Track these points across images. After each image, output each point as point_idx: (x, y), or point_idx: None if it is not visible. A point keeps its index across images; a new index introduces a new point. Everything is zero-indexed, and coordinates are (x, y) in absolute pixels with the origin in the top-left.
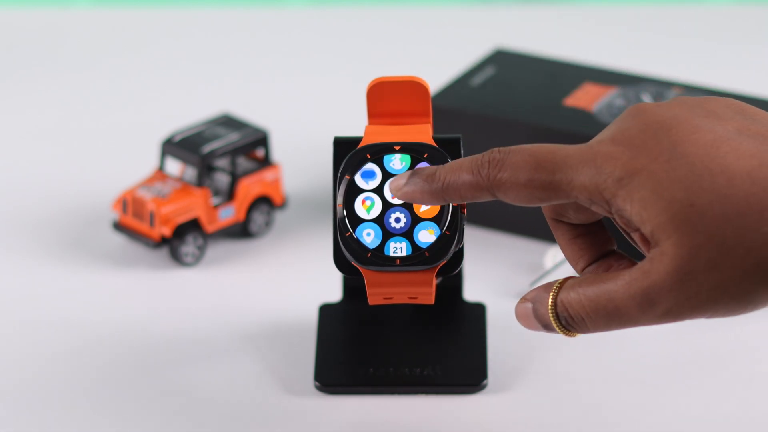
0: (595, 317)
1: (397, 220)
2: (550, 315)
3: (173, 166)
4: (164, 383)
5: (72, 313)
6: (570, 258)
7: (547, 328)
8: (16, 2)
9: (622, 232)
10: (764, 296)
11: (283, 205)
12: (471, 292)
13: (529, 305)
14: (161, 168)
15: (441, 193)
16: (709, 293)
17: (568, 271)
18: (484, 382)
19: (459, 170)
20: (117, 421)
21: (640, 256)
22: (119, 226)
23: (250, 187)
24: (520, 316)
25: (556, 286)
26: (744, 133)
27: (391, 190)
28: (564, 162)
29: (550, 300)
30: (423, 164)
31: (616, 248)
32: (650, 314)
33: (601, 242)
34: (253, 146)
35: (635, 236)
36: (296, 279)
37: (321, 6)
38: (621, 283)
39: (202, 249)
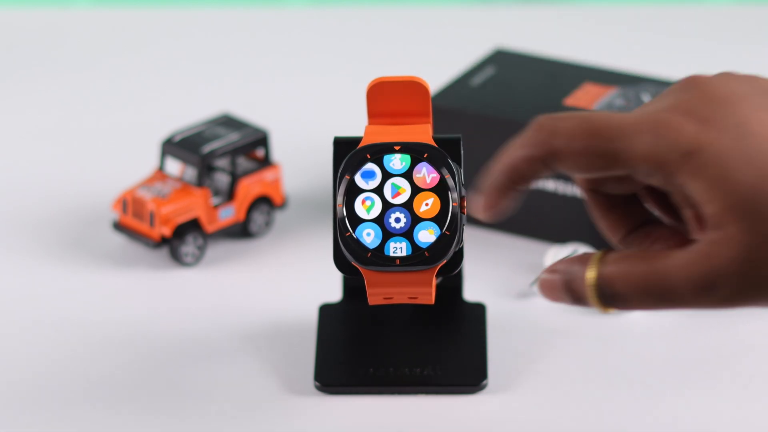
0: (645, 296)
1: (397, 220)
2: (591, 289)
3: (173, 166)
4: (164, 383)
5: (72, 313)
6: (607, 229)
7: (579, 301)
8: (16, 2)
9: (657, 208)
10: None
11: (283, 205)
12: (471, 292)
13: (558, 276)
14: (161, 168)
15: (508, 178)
16: None
17: None
18: (484, 382)
19: (512, 149)
20: (117, 421)
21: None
22: (119, 226)
23: (250, 187)
24: (545, 287)
25: (596, 259)
26: None
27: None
28: (621, 129)
29: (590, 273)
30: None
31: (654, 216)
32: (707, 299)
33: (639, 212)
34: (253, 146)
35: (687, 213)
36: (296, 279)
37: (321, 6)
38: (677, 263)
39: (202, 249)
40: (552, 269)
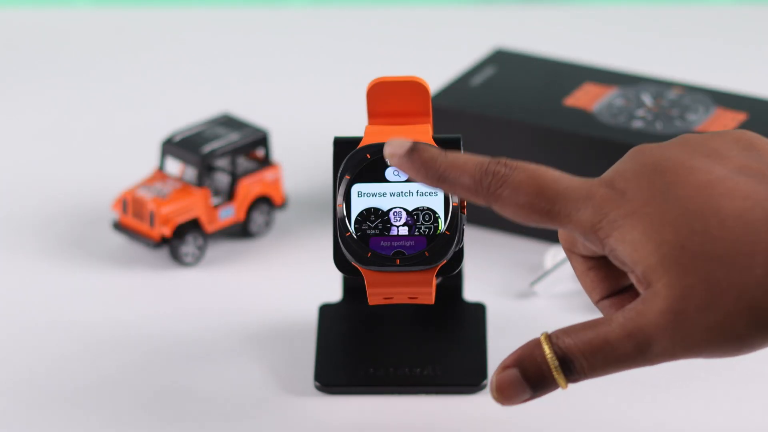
0: (592, 359)
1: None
2: (552, 365)
3: (173, 166)
4: (164, 383)
5: (72, 313)
6: (586, 289)
7: (539, 388)
8: (16, 2)
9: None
10: (759, 338)
11: (283, 205)
12: (471, 292)
13: (515, 370)
14: (161, 168)
15: (435, 182)
16: (703, 334)
17: (568, 271)
18: (484, 382)
19: (461, 170)
20: (116, 421)
21: None
22: (119, 226)
23: (250, 187)
24: (505, 386)
25: (544, 338)
26: (743, 172)
27: (385, 154)
28: (565, 194)
29: (547, 350)
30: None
31: (632, 283)
32: (647, 354)
33: (615, 276)
34: (253, 146)
35: (631, 277)
36: (296, 279)
37: (321, 6)
38: (616, 324)
39: (202, 249)
40: (504, 367)
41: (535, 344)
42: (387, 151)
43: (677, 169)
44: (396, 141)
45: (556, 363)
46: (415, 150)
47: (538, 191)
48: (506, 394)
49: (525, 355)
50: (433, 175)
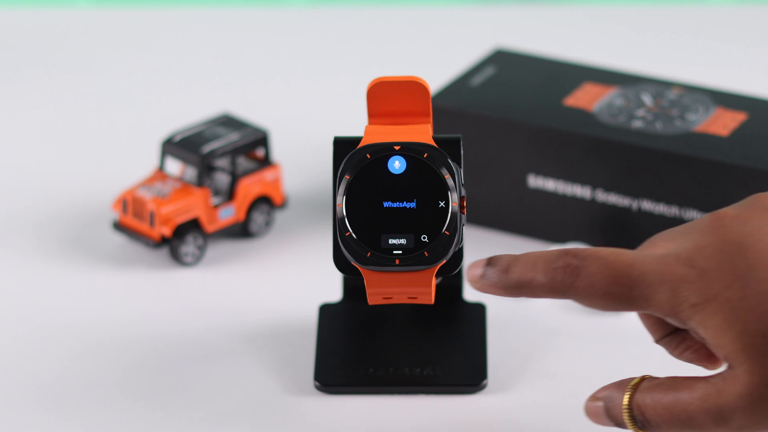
0: (670, 423)
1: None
2: (625, 415)
3: (173, 166)
4: (164, 383)
5: (72, 313)
6: (647, 329)
7: (620, 426)
8: (16, 2)
9: None
10: None
11: (283, 205)
12: (471, 292)
13: (600, 404)
14: (161, 168)
15: (514, 290)
16: None
17: None
18: (484, 382)
19: (533, 270)
20: (116, 421)
21: None
22: (119, 226)
23: (250, 187)
24: (591, 414)
25: (631, 387)
26: None
27: (468, 280)
28: (641, 279)
29: (625, 401)
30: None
31: None
32: (724, 428)
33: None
34: (253, 146)
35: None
36: (296, 279)
37: (321, 6)
38: (695, 396)
39: (202, 249)
40: (595, 397)
41: (624, 385)
42: (468, 278)
43: (758, 248)
44: (470, 268)
45: (631, 416)
46: (489, 263)
47: (614, 280)
48: (593, 420)
49: (611, 395)
50: (511, 284)
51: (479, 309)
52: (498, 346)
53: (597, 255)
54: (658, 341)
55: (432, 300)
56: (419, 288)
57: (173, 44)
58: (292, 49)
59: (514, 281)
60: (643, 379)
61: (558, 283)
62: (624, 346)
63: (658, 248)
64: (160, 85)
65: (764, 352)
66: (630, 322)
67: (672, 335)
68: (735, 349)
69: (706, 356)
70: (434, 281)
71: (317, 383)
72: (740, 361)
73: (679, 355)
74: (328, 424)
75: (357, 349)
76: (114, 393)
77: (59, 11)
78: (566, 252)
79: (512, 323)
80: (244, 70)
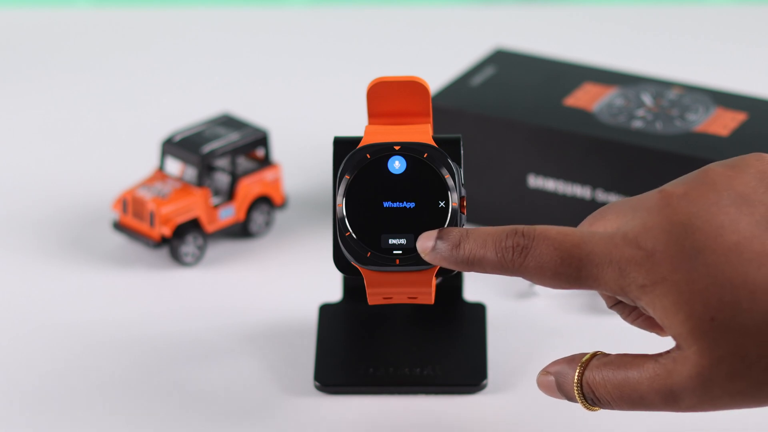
0: (620, 401)
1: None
2: (575, 391)
3: (173, 166)
4: (164, 383)
5: (72, 313)
6: (600, 294)
7: (571, 400)
8: (16, 2)
9: None
10: None
11: (283, 205)
12: (471, 292)
13: (552, 378)
14: (161, 168)
15: (465, 266)
16: (731, 398)
17: None
18: (484, 382)
19: (484, 247)
20: (116, 421)
21: None
22: (119, 226)
23: (250, 187)
24: (543, 388)
25: (582, 364)
26: None
27: (419, 251)
28: (589, 259)
29: (576, 377)
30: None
31: None
32: (674, 407)
33: None
34: (253, 146)
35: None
36: (296, 279)
37: (321, 6)
38: (645, 375)
39: (202, 249)
40: (546, 371)
41: (575, 361)
42: (419, 249)
43: (705, 228)
44: (421, 239)
45: (581, 392)
46: (440, 236)
47: (563, 261)
48: (545, 392)
49: (562, 370)
50: (461, 259)
51: (479, 309)
52: (498, 346)
53: (545, 235)
54: (611, 307)
55: (432, 300)
56: (419, 288)
57: (173, 44)
58: (292, 49)
59: (465, 257)
60: (594, 355)
61: (508, 262)
62: (624, 346)
63: (608, 222)
64: (160, 85)
65: (712, 335)
66: None
67: (623, 303)
68: (684, 331)
69: (657, 324)
70: (434, 281)
71: (317, 383)
72: (689, 344)
73: (632, 322)
74: (328, 424)
75: (357, 349)
76: (114, 393)
77: (59, 11)
78: (515, 231)
79: (512, 323)
80: (244, 70)
